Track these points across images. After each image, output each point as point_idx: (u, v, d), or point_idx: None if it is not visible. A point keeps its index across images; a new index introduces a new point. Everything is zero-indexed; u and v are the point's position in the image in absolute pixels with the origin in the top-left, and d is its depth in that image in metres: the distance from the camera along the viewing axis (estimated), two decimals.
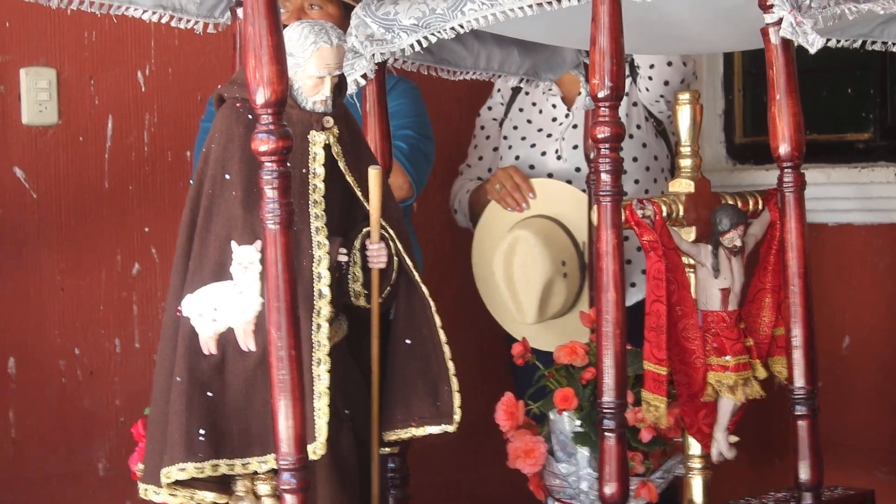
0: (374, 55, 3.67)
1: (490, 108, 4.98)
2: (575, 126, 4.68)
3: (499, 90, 4.96)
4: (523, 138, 4.82)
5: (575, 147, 4.65)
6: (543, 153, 4.75)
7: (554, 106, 4.78)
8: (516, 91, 4.89)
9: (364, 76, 3.68)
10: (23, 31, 4.65)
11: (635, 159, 4.63)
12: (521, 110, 4.87)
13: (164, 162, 4.84)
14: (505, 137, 4.87)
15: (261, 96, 2.70)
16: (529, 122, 4.83)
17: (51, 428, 4.71)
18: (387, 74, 4.50)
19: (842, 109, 5.30)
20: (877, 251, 5.07)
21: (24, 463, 4.67)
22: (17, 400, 4.66)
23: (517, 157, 4.79)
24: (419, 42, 3.62)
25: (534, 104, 4.84)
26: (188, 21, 3.59)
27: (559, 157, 4.71)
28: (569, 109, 4.74)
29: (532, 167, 4.74)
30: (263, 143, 2.71)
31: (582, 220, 4.36)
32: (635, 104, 4.67)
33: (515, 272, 4.52)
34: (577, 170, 4.64)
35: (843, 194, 5.06)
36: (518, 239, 4.51)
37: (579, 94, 4.69)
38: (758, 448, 4.95)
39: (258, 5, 2.68)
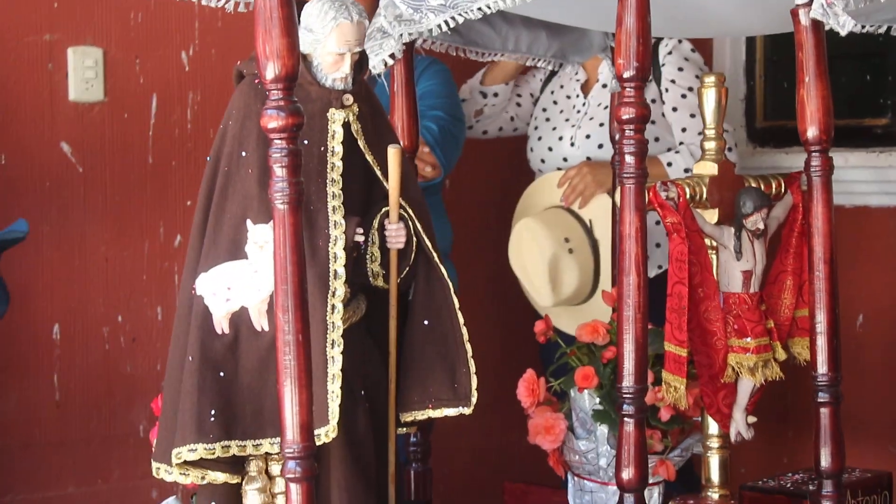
0: (401, 35, 3.28)
1: (529, 80, 4.59)
2: (591, 118, 4.28)
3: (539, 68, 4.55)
4: (548, 120, 4.44)
5: (588, 136, 4.28)
6: (561, 138, 4.37)
7: (577, 94, 4.38)
8: (552, 74, 4.50)
9: (392, 56, 3.29)
10: (70, 11, 4.29)
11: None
12: (551, 92, 4.48)
13: (206, 139, 4.44)
14: (535, 118, 4.47)
15: (271, 71, 2.29)
16: (556, 103, 4.45)
17: (94, 392, 4.38)
18: (418, 56, 4.17)
19: (860, 95, 4.94)
20: (893, 232, 4.72)
21: (68, 425, 4.35)
22: (61, 365, 4.33)
23: (539, 139, 4.42)
24: (446, 22, 3.22)
25: (561, 87, 4.45)
26: (218, 0, 3.22)
27: (573, 145, 4.31)
28: (585, 97, 4.34)
29: (550, 149, 4.38)
30: (273, 120, 2.30)
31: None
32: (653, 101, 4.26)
33: (525, 259, 4.17)
34: (588, 158, 4.26)
35: (861, 177, 4.73)
36: (521, 227, 4.18)
37: (597, 80, 4.30)
38: (776, 426, 4.60)
39: None
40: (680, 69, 4.27)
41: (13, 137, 4.15)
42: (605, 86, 4.29)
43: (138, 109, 4.39)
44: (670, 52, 4.29)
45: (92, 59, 4.31)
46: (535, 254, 4.12)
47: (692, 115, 4.18)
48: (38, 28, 4.24)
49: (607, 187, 4.04)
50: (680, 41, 4.29)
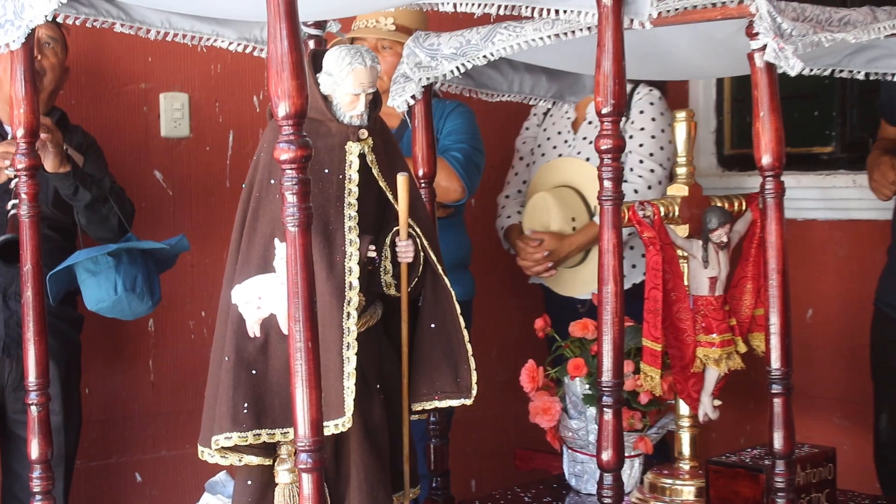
0: (420, 79, 2.95)
1: (527, 129, 4.21)
2: (579, 152, 3.92)
3: (534, 113, 4.19)
4: (543, 155, 4.06)
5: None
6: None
7: (568, 131, 4.02)
8: (546, 112, 4.16)
9: (413, 97, 2.96)
10: (162, 64, 4.01)
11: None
12: (544, 130, 4.13)
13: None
14: (539, 145, 4.11)
15: (282, 109, 1.96)
16: (549, 139, 4.08)
17: (182, 373, 4.10)
18: (446, 101, 3.84)
19: (810, 128, 4.58)
20: (836, 242, 4.39)
21: (160, 401, 4.07)
22: (155, 351, 4.05)
23: (543, 155, 4.05)
24: (458, 68, 2.90)
25: (553, 124, 4.10)
26: (261, 50, 2.88)
27: None
28: (575, 133, 3.98)
29: None
30: (284, 153, 1.97)
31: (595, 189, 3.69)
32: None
33: (536, 225, 3.88)
34: None
35: (810, 196, 4.39)
36: (537, 198, 3.88)
37: (584, 119, 3.94)
38: (742, 402, 4.25)
39: (280, 27, 1.94)
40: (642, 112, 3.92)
41: (116, 166, 3.86)
42: (590, 122, 3.94)
43: (218, 143, 4.11)
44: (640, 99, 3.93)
45: (179, 102, 4.02)
46: (545, 224, 3.84)
47: (651, 154, 3.84)
48: (136, 78, 3.97)
49: (558, 259, 3.82)
50: (650, 90, 3.93)
